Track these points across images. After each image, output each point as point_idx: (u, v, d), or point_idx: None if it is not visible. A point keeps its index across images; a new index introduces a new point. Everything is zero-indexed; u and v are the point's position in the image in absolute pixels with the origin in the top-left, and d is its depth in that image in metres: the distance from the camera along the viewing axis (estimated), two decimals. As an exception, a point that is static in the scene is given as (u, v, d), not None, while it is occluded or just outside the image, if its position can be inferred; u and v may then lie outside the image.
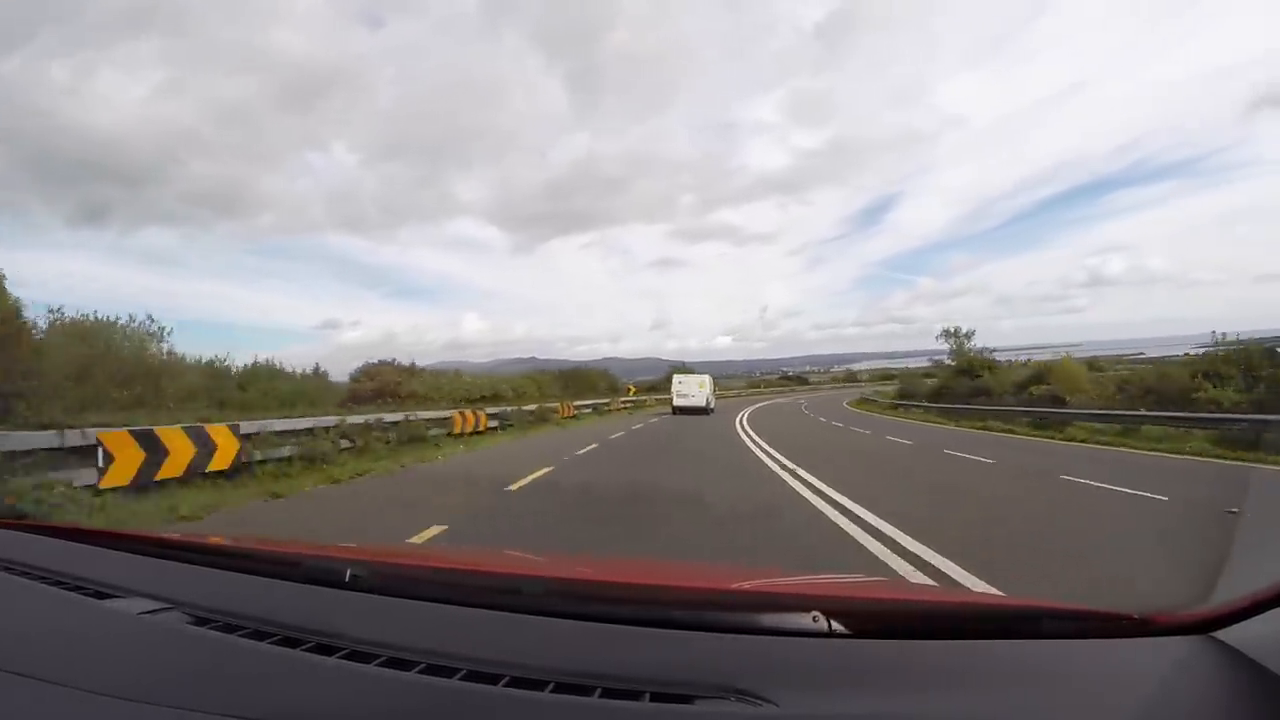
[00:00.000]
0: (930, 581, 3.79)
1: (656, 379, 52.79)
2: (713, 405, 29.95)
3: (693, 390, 29.06)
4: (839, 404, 45.43)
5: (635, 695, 0.77)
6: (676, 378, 30.60)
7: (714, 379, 33.65)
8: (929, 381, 41.32)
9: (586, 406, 28.45)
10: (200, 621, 0.97)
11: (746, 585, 1.29)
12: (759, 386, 79.14)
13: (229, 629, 0.94)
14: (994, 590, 3.53)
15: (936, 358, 45.84)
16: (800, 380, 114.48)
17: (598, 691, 0.77)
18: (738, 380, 69.36)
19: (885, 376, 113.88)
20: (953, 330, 41.81)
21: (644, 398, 40.93)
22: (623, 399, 36.90)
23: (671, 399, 29.36)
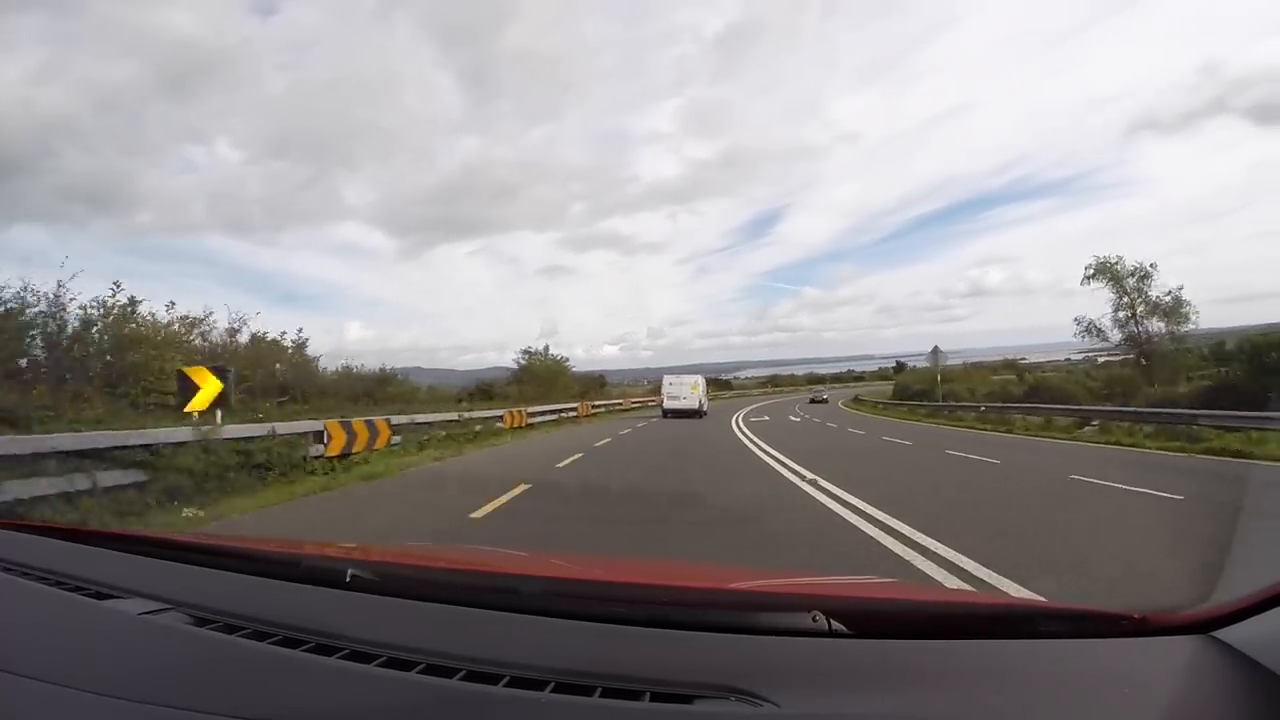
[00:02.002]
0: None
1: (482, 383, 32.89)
2: (706, 408, 29.50)
3: (684, 392, 28.56)
4: (886, 424, 23.53)
5: (635, 695, 0.77)
6: (667, 379, 29.97)
7: (621, 386, 28.85)
8: (1099, 372, 26.33)
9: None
10: (200, 622, 0.97)
11: (746, 585, 1.30)
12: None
13: (229, 629, 0.94)
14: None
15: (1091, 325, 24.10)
16: (724, 384, 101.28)
17: (598, 691, 0.77)
18: (636, 388, 57.63)
19: (814, 380, 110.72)
20: (1113, 262, 22.52)
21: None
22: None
23: (662, 401, 28.85)
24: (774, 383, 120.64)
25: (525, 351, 35.40)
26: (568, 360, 37.12)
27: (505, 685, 0.78)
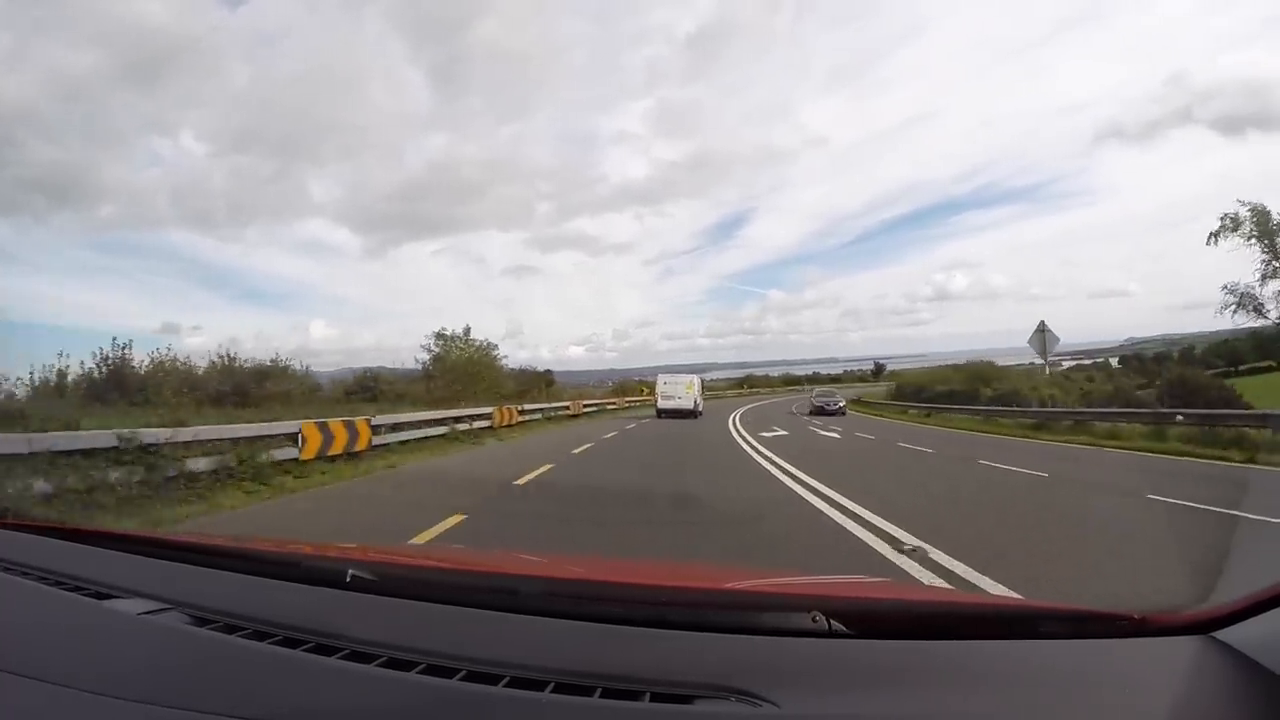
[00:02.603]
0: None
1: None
2: (701, 408, 29.42)
3: (679, 392, 28.31)
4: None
5: (635, 695, 0.77)
6: (662, 378, 29.50)
7: (579, 387, 26.55)
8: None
9: None
10: (200, 621, 0.97)
11: (746, 585, 1.30)
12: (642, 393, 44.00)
13: (229, 629, 0.94)
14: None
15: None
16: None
17: (598, 691, 0.77)
18: (597, 389, 53.97)
19: (790, 381, 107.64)
20: (1262, 209, 16.04)
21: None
22: None
23: (656, 400, 28.52)
24: (749, 383, 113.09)
25: (438, 335, 24.89)
26: (496, 349, 27.11)
27: (505, 685, 0.78)
